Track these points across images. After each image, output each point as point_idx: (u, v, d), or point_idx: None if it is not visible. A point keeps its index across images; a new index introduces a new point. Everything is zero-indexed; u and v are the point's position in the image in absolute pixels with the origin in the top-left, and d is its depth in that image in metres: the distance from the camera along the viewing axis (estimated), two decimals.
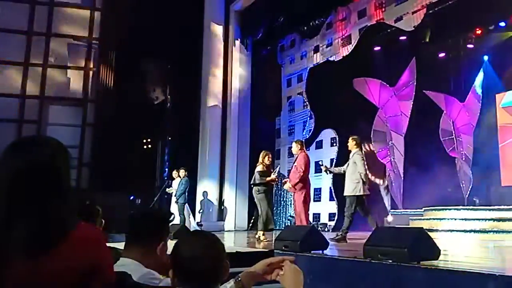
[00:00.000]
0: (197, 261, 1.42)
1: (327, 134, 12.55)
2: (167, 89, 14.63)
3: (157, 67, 13.75)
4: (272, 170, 7.93)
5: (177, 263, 1.46)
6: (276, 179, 8.33)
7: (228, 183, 13.06)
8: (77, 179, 12.51)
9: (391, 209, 11.49)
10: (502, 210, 8.43)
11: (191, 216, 11.22)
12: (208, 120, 13.25)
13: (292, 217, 10.82)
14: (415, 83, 11.26)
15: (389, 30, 10.98)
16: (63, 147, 1.33)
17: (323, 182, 12.18)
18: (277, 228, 9.62)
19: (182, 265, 1.44)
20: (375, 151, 11.98)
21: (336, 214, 11.50)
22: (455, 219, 8.66)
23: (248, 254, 5.17)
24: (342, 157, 9.80)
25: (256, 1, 12.85)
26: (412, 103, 11.34)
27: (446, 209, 9.17)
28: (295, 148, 8.00)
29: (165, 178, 13.75)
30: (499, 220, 8.12)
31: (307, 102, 13.15)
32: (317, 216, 12.20)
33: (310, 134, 12.94)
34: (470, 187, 10.58)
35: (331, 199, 12.01)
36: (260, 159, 7.83)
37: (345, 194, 7.25)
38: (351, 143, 7.36)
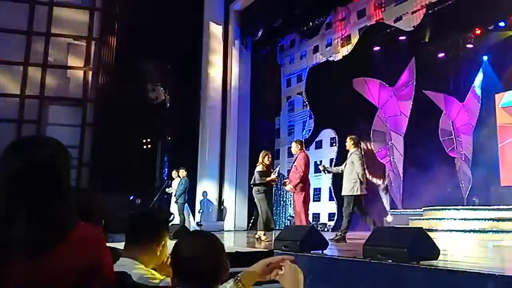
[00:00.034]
0: (197, 261, 1.42)
1: (327, 134, 12.54)
2: (167, 89, 14.61)
3: (156, 67, 13.72)
4: (272, 170, 7.93)
5: (177, 263, 1.47)
6: (276, 179, 8.34)
7: (227, 183, 13.05)
8: (77, 179, 12.51)
9: (390, 209, 11.49)
10: (502, 210, 8.41)
11: (190, 216, 11.21)
12: (207, 120, 13.24)
13: (292, 217, 10.81)
14: (414, 83, 11.27)
15: (388, 30, 10.98)
16: (63, 147, 1.33)
17: (323, 182, 12.18)
18: (277, 228, 9.62)
19: (182, 265, 1.45)
20: (374, 151, 11.98)
21: (336, 214, 11.49)
22: (455, 219, 8.65)
23: (248, 254, 5.16)
24: (342, 157, 9.78)
25: (256, 1, 12.84)
26: (411, 103, 11.35)
27: (445, 209, 9.15)
28: (294, 148, 8.01)
29: (165, 178, 13.73)
30: (498, 220, 8.11)
31: (306, 102, 13.15)
32: (316, 216, 12.20)
33: (309, 134, 12.94)
34: (470, 187, 10.59)
35: (330, 199, 12.01)
36: (260, 159, 7.84)
37: (342, 193, 7.26)
38: (349, 143, 7.37)
